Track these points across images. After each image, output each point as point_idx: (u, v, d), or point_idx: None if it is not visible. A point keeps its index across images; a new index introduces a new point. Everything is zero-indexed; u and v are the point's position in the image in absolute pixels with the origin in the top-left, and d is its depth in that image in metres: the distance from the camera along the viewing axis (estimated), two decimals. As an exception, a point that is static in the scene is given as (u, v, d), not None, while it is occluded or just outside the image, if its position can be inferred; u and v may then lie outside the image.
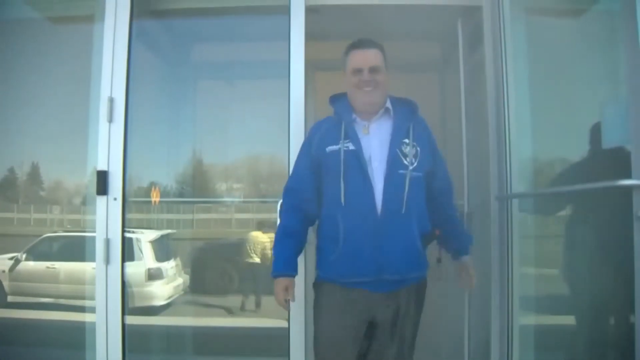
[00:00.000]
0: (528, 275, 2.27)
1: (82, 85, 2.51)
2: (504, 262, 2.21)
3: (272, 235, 2.02)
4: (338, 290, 1.79)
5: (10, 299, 2.90)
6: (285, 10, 2.34)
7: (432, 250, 2.00)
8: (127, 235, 2.38)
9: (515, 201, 2.21)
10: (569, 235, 2.12)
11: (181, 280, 3.11)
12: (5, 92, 2.72)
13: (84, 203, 2.70)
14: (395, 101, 1.92)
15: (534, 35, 2.35)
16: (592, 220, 1.99)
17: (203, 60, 3.11)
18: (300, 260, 2.08)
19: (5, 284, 2.90)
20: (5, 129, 2.73)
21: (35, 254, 2.94)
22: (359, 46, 1.87)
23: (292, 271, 1.85)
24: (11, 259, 2.93)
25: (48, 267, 2.92)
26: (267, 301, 1.92)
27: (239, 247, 3.20)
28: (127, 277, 2.38)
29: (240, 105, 2.97)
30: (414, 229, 1.77)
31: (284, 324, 2.26)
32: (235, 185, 3.12)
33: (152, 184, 2.83)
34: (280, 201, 2.00)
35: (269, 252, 2.85)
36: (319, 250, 1.87)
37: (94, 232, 2.33)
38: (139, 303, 2.81)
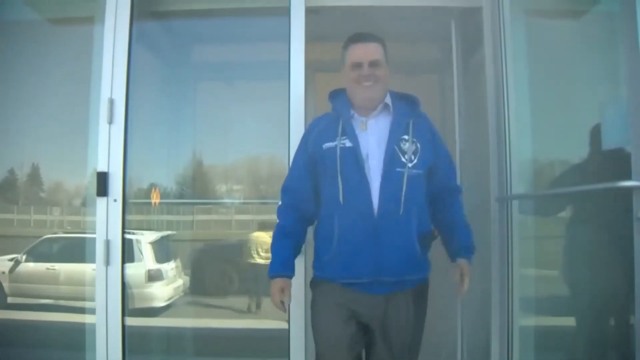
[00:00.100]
0: (528, 276, 2.27)
1: (82, 86, 2.51)
2: (504, 263, 2.21)
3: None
4: (333, 289, 1.75)
5: (10, 300, 2.90)
6: (286, 12, 2.34)
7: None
8: (127, 236, 2.38)
9: (515, 202, 2.21)
10: (569, 236, 2.12)
11: (181, 281, 3.11)
12: (5, 93, 2.72)
13: (84, 204, 2.70)
14: (396, 96, 1.86)
15: (534, 36, 2.35)
16: (592, 221, 1.98)
17: (203, 62, 3.11)
18: (301, 260, 2.08)
19: (5, 285, 2.90)
20: (5, 130, 2.73)
21: (35, 255, 2.94)
22: (358, 40, 1.81)
23: (289, 272, 1.81)
24: (11, 260, 2.93)
25: (48, 269, 2.92)
26: (268, 302, 1.91)
27: (239, 248, 3.20)
28: (127, 279, 2.38)
29: (241, 107, 2.97)
30: (412, 230, 1.71)
31: (284, 325, 2.26)
32: (235, 187, 3.12)
33: (152, 185, 2.83)
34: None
35: (270, 253, 2.84)
36: (314, 250, 1.83)
37: (94, 233, 2.33)
38: (139, 304, 2.81)
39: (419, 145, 1.76)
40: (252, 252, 3.20)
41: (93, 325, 2.31)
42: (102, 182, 2.31)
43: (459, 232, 1.88)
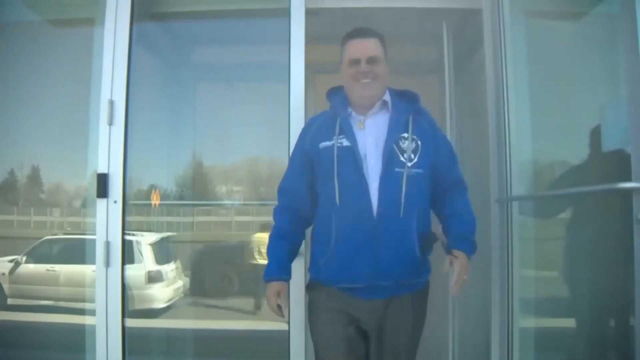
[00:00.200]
0: (528, 277, 2.27)
1: (82, 87, 2.51)
2: (504, 264, 2.21)
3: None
4: (330, 293, 1.71)
5: (10, 301, 2.90)
6: (286, 13, 2.34)
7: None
8: (127, 237, 2.38)
9: (515, 204, 2.21)
10: (569, 237, 2.12)
11: (181, 282, 3.10)
12: (6, 94, 2.72)
13: (84, 205, 2.70)
14: (395, 93, 1.80)
15: (534, 38, 2.35)
16: (592, 222, 1.98)
17: (203, 63, 3.11)
18: (301, 261, 2.07)
19: (5, 286, 2.90)
20: (6, 132, 2.74)
21: (35, 257, 2.94)
22: (356, 35, 1.75)
23: (285, 275, 1.76)
24: (11, 261, 2.93)
25: (48, 270, 2.92)
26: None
27: (239, 250, 3.20)
28: (127, 280, 2.38)
29: (241, 108, 2.96)
30: (412, 232, 1.65)
31: (284, 326, 2.26)
32: (236, 188, 3.12)
33: (152, 187, 2.83)
34: None
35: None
36: (311, 252, 1.80)
37: (94, 234, 2.33)
38: (139, 306, 2.80)
39: (419, 142, 1.70)
40: (252, 253, 3.19)
41: (93, 327, 2.31)
42: (102, 184, 2.31)
43: (458, 221, 1.77)
